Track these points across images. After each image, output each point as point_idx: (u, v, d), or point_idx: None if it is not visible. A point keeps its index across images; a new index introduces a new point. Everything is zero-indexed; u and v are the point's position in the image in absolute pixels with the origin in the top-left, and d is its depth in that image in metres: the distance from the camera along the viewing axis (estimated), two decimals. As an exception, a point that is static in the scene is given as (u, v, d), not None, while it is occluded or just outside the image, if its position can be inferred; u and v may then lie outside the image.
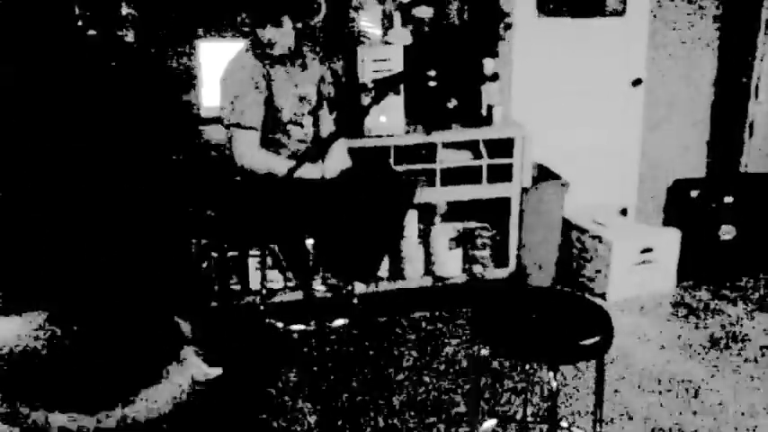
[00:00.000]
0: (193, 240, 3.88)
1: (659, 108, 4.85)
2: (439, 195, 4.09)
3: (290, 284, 3.98)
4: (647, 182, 4.95)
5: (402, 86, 3.92)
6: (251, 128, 3.27)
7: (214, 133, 3.75)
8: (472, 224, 4.28)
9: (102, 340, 2.03)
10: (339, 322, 3.72)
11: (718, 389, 3.42)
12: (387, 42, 4.02)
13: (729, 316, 4.12)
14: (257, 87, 3.26)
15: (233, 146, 3.28)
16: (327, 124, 3.59)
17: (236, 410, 3.20)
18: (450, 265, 4.20)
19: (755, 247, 4.62)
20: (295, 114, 3.39)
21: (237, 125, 3.26)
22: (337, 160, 3.42)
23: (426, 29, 4.15)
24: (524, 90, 4.54)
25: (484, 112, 4.14)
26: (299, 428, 3.11)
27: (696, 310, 4.20)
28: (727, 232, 4.60)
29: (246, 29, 3.80)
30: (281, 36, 3.29)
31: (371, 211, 3.53)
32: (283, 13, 3.27)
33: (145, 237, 3.16)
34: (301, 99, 3.41)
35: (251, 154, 3.26)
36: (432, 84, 4.01)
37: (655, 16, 4.68)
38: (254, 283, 3.96)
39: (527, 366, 3.30)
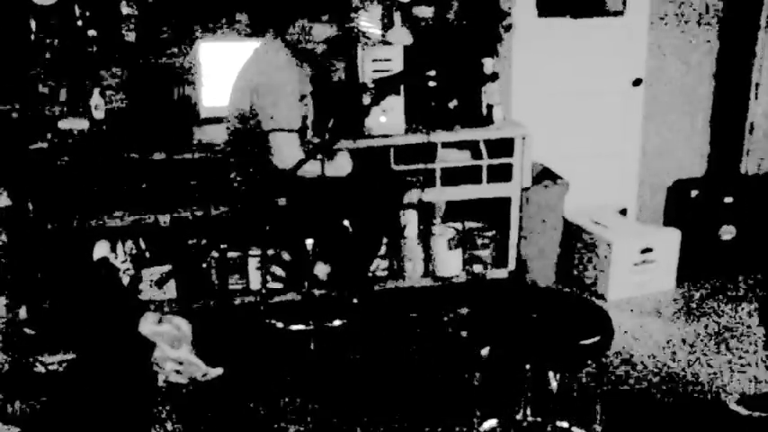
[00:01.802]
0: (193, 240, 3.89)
1: (659, 108, 4.85)
2: (439, 195, 4.09)
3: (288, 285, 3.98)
4: (646, 182, 4.95)
5: (402, 86, 3.92)
6: (293, 130, 3.21)
7: (214, 133, 3.75)
8: (472, 224, 4.28)
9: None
10: (339, 322, 3.72)
11: (719, 388, 3.42)
12: (387, 42, 4.01)
13: (729, 316, 4.12)
14: (296, 88, 3.23)
15: (276, 150, 3.19)
16: (330, 124, 3.60)
17: (236, 410, 3.20)
18: (451, 265, 4.20)
19: (755, 247, 4.62)
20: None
21: (281, 129, 3.17)
22: (339, 160, 3.41)
23: (426, 29, 4.15)
24: (524, 90, 4.53)
25: (484, 112, 4.13)
26: (298, 428, 3.11)
27: (696, 310, 4.20)
28: (727, 232, 4.60)
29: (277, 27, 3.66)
30: (323, 33, 3.29)
31: (369, 211, 3.53)
32: (328, 11, 3.26)
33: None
34: (303, 98, 3.40)
35: (295, 156, 3.17)
36: (432, 84, 4.03)
37: (655, 15, 4.67)
38: (255, 283, 3.96)
39: (527, 366, 3.29)
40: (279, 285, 3.97)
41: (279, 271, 3.96)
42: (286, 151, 3.18)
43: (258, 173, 3.31)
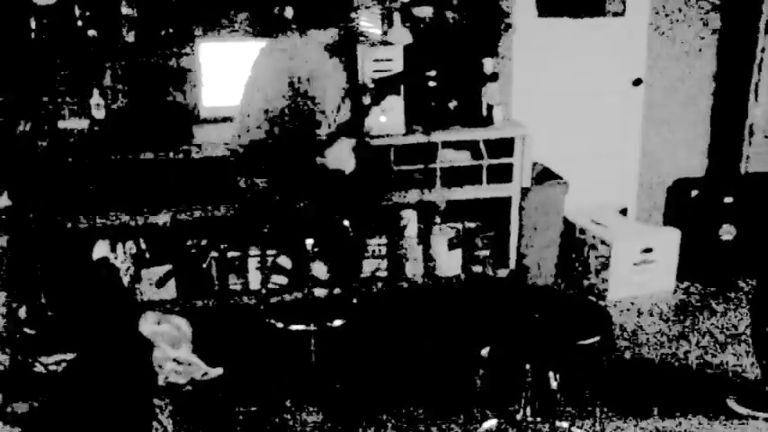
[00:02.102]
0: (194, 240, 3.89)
1: (659, 108, 4.85)
2: (439, 195, 4.09)
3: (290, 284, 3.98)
4: (646, 181, 4.95)
5: (402, 86, 3.92)
6: (352, 133, 3.23)
7: (215, 133, 3.75)
8: (472, 224, 4.28)
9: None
10: (339, 322, 3.72)
11: (718, 388, 3.42)
12: (387, 42, 4.01)
13: (729, 316, 4.12)
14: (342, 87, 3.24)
15: (341, 154, 3.19)
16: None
17: (235, 410, 3.20)
18: (450, 264, 4.20)
19: (755, 247, 4.61)
20: None
21: (345, 134, 3.19)
22: (343, 154, 3.40)
23: (426, 29, 4.15)
24: (524, 90, 4.53)
25: (484, 112, 4.13)
26: (298, 428, 3.11)
27: (696, 310, 4.20)
28: (727, 232, 4.60)
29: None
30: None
31: (368, 211, 3.53)
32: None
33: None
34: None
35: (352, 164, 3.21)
36: (432, 84, 4.03)
37: (655, 15, 4.68)
38: (254, 283, 3.96)
39: (527, 366, 3.29)
40: (279, 285, 3.97)
41: (280, 279, 3.96)
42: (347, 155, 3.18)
43: (281, 174, 3.26)
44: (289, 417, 3.17)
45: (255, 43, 3.50)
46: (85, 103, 3.79)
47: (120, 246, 3.80)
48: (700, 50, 4.80)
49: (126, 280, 3.73)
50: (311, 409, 3.22)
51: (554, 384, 2.45)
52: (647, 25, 4.69)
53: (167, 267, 3.87)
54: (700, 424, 3.17)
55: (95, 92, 3.78)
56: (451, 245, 4.18)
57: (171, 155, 3.65)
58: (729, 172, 4.84)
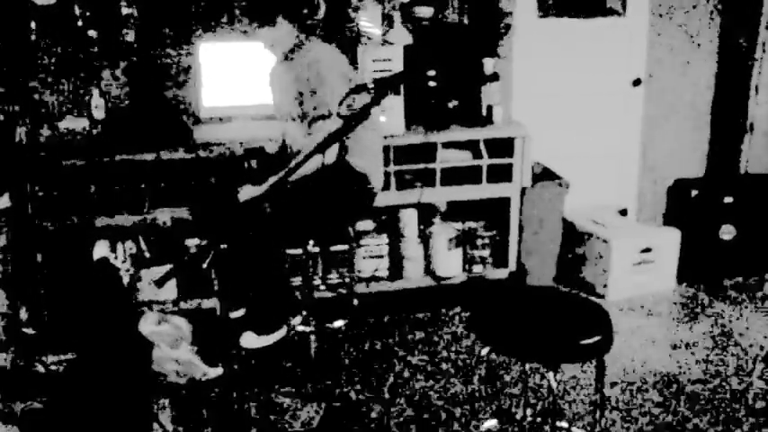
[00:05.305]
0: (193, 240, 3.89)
1: (659, 108, 4.85)
2: (439, 195, 4.09)
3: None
4: (646, 181, 4.95)
5: (402, 86, 3.92)
6: None
7: (213, 133, 3.75)
8: (472, 224, 4.28)
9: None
10: (339, 323, 3.72)
11: (718, 388, 3.42)
12: (387, 42, 4.01)
13: (729, 316, 4.12)
14: None
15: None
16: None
17: (235, 410, 3.20)
18: (451, 265, 4.20)
19: (755, 247, 4.62)
20: None
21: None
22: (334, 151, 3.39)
23: (426, 29, 4.15)
24: (524, 90, 4.53)
25: (484, 112, 4.14)
26: (299, 429, 3.11)
27: (696, 310, 4.20)
28: (727, 232, 4.60)
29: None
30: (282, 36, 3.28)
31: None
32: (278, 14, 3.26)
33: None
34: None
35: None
36: (432, 84, 4.02)
37: (655, 16, 4.68)
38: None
39: (527, 366, 3.30)
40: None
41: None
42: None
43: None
44: (289, 417, 3.17)
45: (255, 43, 3.49)
46: (85, 103, 3.79)
47: (120, 246, 3.80)
48: (700, 50, 4.79)
49: (126, 280, 3.73)
50: (312, 407, 3.22)
51: (554, 384, 2.44)
52: (647, 25, 4.69)
53: (167, 267, 3.86)
54: (701, 421, 3.17)
55: (95, 92, 3.78)
56: (451, 245, 4.18)
57: (170, 155, 3.66)
58: (729, 172, 4.85)
